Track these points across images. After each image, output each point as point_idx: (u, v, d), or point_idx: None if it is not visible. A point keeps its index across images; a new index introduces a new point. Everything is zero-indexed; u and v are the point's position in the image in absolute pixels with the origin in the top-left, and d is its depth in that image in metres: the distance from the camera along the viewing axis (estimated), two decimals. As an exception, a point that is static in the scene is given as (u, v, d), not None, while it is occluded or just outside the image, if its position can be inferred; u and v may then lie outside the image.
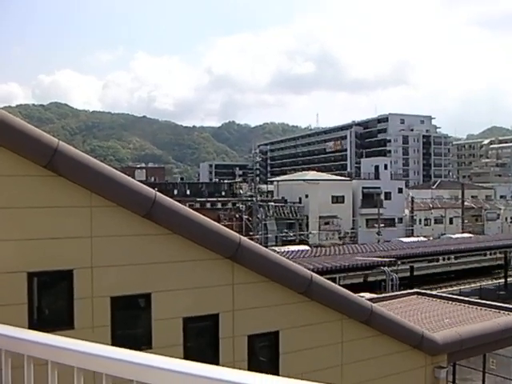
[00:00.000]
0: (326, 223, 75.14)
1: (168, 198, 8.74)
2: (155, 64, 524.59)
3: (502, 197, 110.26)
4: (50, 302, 7.97)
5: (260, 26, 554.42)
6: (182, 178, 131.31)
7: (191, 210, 9.12)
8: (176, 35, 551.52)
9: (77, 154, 7.78)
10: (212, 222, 9.24)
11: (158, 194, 8.53)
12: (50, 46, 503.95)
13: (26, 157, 7.36)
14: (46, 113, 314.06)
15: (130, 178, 8.41)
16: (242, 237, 9.69)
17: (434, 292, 24.50)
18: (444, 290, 43.80)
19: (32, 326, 7.06)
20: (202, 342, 9.54)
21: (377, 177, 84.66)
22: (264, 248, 10.74)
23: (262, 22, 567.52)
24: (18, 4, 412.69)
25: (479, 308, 17.51)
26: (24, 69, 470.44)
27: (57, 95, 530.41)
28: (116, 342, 7.62)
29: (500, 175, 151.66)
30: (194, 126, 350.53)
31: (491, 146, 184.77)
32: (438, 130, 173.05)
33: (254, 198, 69.88)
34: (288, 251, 43.07)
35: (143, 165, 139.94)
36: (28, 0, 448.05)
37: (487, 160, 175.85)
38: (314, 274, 10.81)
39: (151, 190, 8.50)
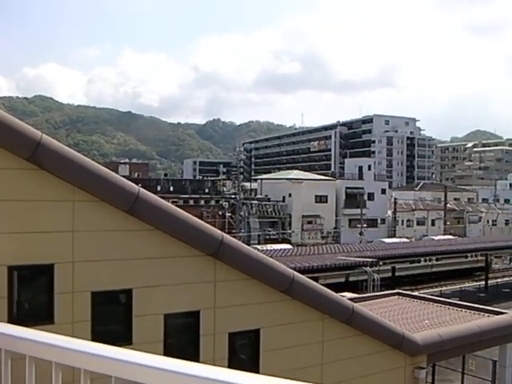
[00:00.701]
0: (309, 222, 75.29)
1: (151, 194, 8.71)
2: (141, 60, 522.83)
3: (484, 200, 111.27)
4: (31, 296, 7.91)
5: (248, 25, 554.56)
6: (165, 175, 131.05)
7: (174, 207, 9.08)
8: (163, 33, 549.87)
9: (60, 147, 7.72)
10: (195, 218, 9.21)
11: (141, 189, 8.49)
12: (36, 39, 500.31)
13: (8, 149, 7.28)
14: (30, 106, 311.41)
15: (113, 173, 8.36)
16: (224, 234, 9.68)
17: (415, 293, 24.65)
18: (425, 291, 44.03)
19: (12, 320, 6.99)
20: (182, 338, 9.52)
21: (360, 177, 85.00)
22: (246, 246, 10.73)
23: (249, 21, 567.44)
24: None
25: (459, 309, 17.64)
26: (9, 61, 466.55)
27: (41, 88, 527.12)
28: (96, 337, 7.57)
29: (482, 178, 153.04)
30: (178, 123, 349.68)
31: (475, 149, 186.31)
32: (422, 132, 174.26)
33: (238, 196, 69.85)
34: (270, 249, 43.10)
35: (127, 160, 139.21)
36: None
37: (470, 163, 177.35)
38: (295, 273, 10.83)
39: (134, 185, 8.46)
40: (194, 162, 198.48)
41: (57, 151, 7.62)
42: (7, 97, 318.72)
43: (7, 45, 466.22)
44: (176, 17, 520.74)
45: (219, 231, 9.63)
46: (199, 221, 9.34)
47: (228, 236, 9.87)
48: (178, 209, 9.03)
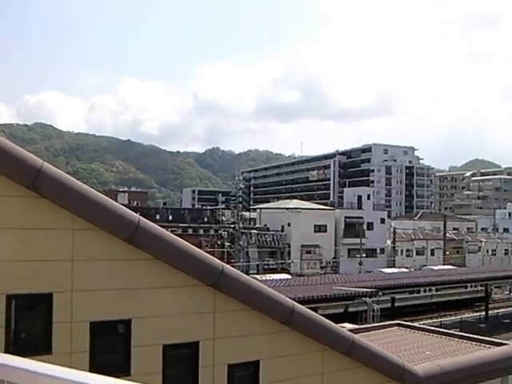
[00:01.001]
0: (308, 252, 75.07)
1: (151, 223, 8.68)
2: (141, 88, 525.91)
3: (483, 229, 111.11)
4: (29, 325, 7.82)
5: (248, 54, 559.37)
6: (164, 203, 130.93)
7: (174, 236, 9.04)
8: (163, 60, 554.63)
9: (61, 175, 7.71)
10: (195, 248, 9.17)
11: (142, 218, 8.47)
12: (37, 66, 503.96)
13: (9, 177, 7.27)
14: (30, 133, 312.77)
15: (113, 202, 8.34)
16: (224, 264, 9.62)
17: (415, 324, 24.45)
18: (425, 321, 43.75)
19: (9, 350, 6.91)
20: (181, 369, 9.39)
21: (359, 207, 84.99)
22: (246, 276, 10.67)
23: (249, 49, 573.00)
24: (4, 24, 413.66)
25: (460, 341, 17.48)
26: (9, 88, 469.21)
27: (42, 116, 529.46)
28: (94, 368, 7.47)
29: (481, 208, 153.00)
30: (178, 151, 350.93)
31: (473, 178, 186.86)
32: (420, 161, 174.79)
33: (237, 225, 69.69)
34: (269, 280, 42.86)
35: (126, 189, 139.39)
36: (14, 21, 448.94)
37: (469, 192, 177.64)
38: (295, 304, 10.74)
39: (135, 214, 8.43)
40: (193, 191, 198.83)
41: (57, 179, 7.61)
42: (7, 124, 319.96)
43: (8, 71, 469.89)
44: (176, 45, 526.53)
45: (219, 261, 9.58)
46: (199, 250, 9.29)
47: (228, 266, 9.82)
48: (178, 238, 8.99)
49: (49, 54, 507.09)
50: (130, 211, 8.40)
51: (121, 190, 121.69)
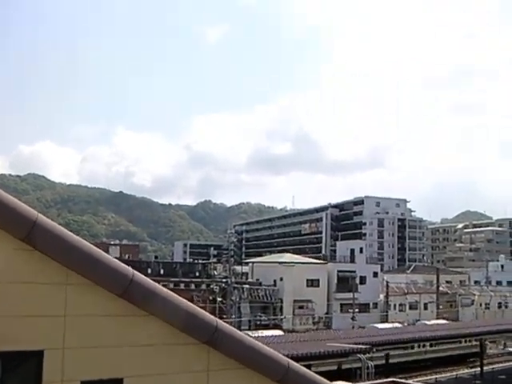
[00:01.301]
0: (301, 307, 74.40)
1: (145, 277, 8.52)
2: (135, 139, 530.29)
3: (476, 282, 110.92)
4: (17, 384, 7.56)
5: (241, 105, 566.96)
6: (156, 257, 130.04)
7: (168, 291, 8.88)
8: (158, 112, 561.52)
9: (56, 227, 7.60)
10: (190, 304, 8.99)
11: (136, 272, 8.32)
12: (30, 116, 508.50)
13: (2, 228, 7.17)
14: (22, 184, 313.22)
15: (107, 255, 8.20)
16: (218, 320, 9.42)
17: (410, 381, 24.04)
18: (420, 378, 43.12)
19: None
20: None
21: (352, 260, 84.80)
22: (240, 332, 10.44)
23: (242, 101, 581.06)
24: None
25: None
26: (3, 138, 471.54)
27: (35, 166, 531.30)
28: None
29: (474, 260, 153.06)
30: (170, 204, 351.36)
31: (465, 230, 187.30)
32: (412, 213, 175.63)
33: (229, 280, 69.13)
34: (262, 336, 42.23)
35: (117, 241, 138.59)
36: (10, 71, 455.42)
37: (461, 244, 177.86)
38: (290, 361, 10.49)
39: (128, 268, 8.29)
40: (185, 245, 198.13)
41: (52, 232, 7.50)
42: (0, 174, 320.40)
43: (3, 122, 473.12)
44: (171, 97, 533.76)
45: (213, 317, 9.38)
46: (194, 306, 9.11)
47: (222, 322, 9.61)
48: (173, 293, 8.82)
49: (44, 104, 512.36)
50: (123, 265, 8.26)
51: (112, 243, 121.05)
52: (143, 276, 8.51)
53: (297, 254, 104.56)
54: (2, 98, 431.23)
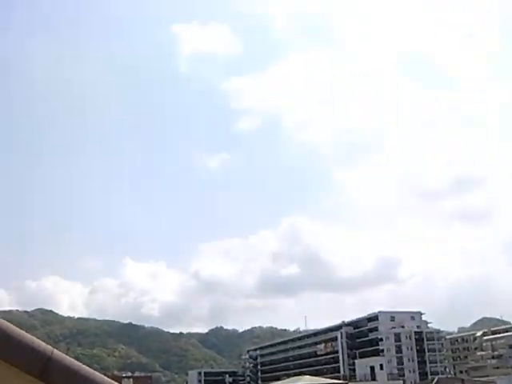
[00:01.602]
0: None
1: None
2: (141, 269, 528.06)
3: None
4: None
5: (244, 231, 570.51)
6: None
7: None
8: (162, 240, 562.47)
9: (71, 362, 7.31)
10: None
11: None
12: (38, 252, 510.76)
13: (18, 366, 6.89)
14: (30, 319, 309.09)
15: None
16: None
17: None
18: None
19: None
20: None
21: (373, 378, 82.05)
22: None
23: (246, 227, 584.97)
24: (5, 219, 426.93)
25: None
26: (10, 274, 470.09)
27: (42, 301, 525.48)
28: None
29: (498, 367, 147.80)
30: (181, 333, 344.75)
31: (485, 337, 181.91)
32: (429, 324, 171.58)
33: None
34: None
35: (129, 373, 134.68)
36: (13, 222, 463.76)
37: (483, 353, 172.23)
38: None
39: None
40: (199, 373, 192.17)
41: (68, 366, 7.20)
42: (7, 310, 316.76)
43: (10, 258, 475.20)
44: (174, 225, 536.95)
45: None
46: None
47: None
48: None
49: (49, 240, 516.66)
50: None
51: (124, 375, 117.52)
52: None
53: (314, 375, 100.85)
54: (6, 235, 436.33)
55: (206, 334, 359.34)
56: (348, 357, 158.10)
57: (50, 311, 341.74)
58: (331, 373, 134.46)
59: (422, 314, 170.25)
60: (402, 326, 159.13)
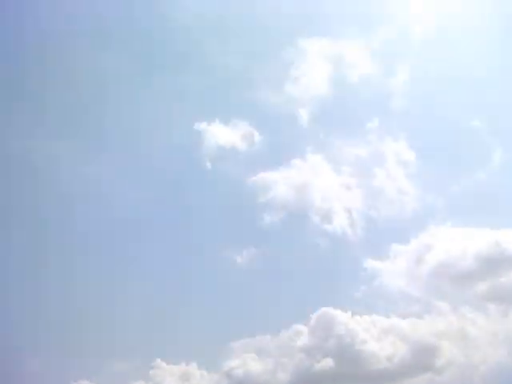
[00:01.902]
0: None
1: None
2: (172, 371, 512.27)
3: None
4: None
5: (278, 325, 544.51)
6: None
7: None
8: (194, 340, 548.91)
9: None
10: None
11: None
12: (68, 358, 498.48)
13: None
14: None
15: None
16: None
17: None
18: None
19: None
20: None
21: None
22: None
23: (279, 320, 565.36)
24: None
25: None
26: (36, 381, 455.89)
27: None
28: None
29: None
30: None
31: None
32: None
33: None
34: None
35: None
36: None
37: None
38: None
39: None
40: None
41: None
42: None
43: (37, 365, 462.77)
44: (206, 324, 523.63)
45: None
46: None
47: None
48: None
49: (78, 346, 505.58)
50: None
51: None
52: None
53: None
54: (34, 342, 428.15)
55: None
56: None
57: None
58: None
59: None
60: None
